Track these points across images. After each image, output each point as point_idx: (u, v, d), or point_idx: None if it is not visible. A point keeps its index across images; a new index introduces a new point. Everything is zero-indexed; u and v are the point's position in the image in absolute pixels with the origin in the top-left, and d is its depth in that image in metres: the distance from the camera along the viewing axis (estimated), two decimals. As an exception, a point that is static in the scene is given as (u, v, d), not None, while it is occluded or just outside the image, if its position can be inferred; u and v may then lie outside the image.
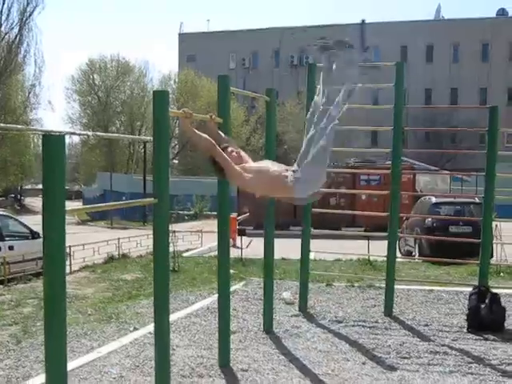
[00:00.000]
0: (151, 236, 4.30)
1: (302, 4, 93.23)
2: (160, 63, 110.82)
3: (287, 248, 11.67)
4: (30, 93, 43.99)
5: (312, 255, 11.65)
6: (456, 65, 53.75)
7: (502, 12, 55.82)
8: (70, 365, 5.51)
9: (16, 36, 40.38)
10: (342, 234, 17.75)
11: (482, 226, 7.77)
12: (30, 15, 40.37)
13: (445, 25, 53.31)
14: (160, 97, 4.16)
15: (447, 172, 26.61)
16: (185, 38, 57.61)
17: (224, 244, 5.70)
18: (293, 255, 11.40)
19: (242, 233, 15.03)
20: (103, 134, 43.99)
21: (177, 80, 52.90)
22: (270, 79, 49.23)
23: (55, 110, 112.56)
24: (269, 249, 6.86)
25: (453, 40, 52.83)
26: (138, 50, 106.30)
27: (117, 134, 49.86)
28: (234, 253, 13.44)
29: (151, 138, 4.23)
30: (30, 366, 5.66)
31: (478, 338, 6.75)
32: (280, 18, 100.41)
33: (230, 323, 5.96)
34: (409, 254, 15.72)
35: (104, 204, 7.75)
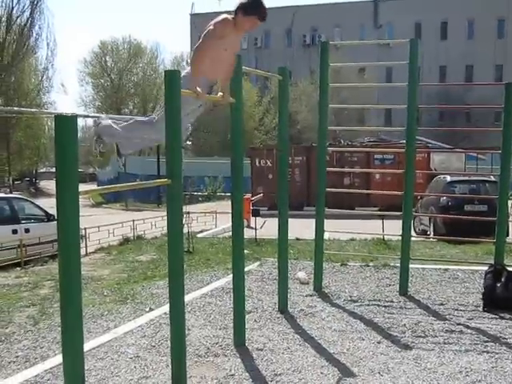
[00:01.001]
0: (166, 217, 4.30)
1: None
2: (172, 44, 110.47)
3: (301, 228, 11.67)
4: (43, 76, 44.04)
5: (326, 235, 11.64)
6: (471, 41, 53.07)
7: (518, -14, 54.90)
8: (87, 345, 5.57)
9: (27, 19, 40.33)
10: (356, 213, 17.71)
11: (498, 204, 7.70)
12: (40, -2, 40.28)
13: (459, 0, 52.51)
14: (171, 76, 4.13)
15: (462, 150, 26.40)
16: (196, 19, 57.25)
17: (238, 224, 5.69)
18: (307, 235, 11.40)
19: (256, 213, 15.01)
20: (116, 116, 44.02)
21: (189, 61, 52.63)
22: (282, 59, 48.87)
23: (68, 93, 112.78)
24: (283, 229, 6.84)
25: (468, 16, 52.09)
26: (150, 31, 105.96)
27: (129, 116, 49.92)
28: (248, 233, 13.47)
29: (164, 119, 4.22)
30: (47, 346, 5.72)
31: (493, 316, 6.71)
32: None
33: (244, 303, 5.97)
34: (424, 233, 15.66)
35: (117, 185, 7.77)
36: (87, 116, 22.09)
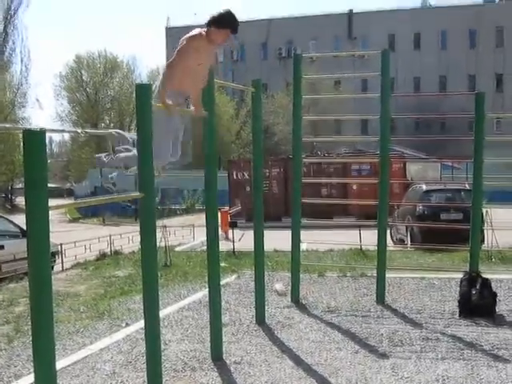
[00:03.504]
0: (141, 231, 4.27)
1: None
2: (148, 58, 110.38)
3: (279, 239, 11.64)
4: (17, 91, 43.68)
5: (304, 246, 11.68)
6: (444, 52, 53.82)
7: (488, -2, 55.96)
8: (62, 362, 5.52)
9: (1, 34, 40.05)
10: (333, 223, 17.76)
11: (472, 212, 7.79)
12: (14, 13, 40.03)
13: (432, 12, 53.35)
14: (143, 90, 4.13)
15: (437, 159, 26.68)
16: (172, 32, 57.18)
17: (213, 238, 5.68)
18: (285, 247, 11.39)
19: (233, 225, 14.98)
20: (92, 130, 43.72)
21: (161, 75, 52.51)
22: (258, 71, 49.10)
23: (43, 108, 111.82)
24: (259, 241, 6.84)
25: (440, 27, 52.86)
26: (126, 45, 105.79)
27: (106, 131, 49.64)
28: (226, 246, 13.48)
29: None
30: (21, 365, 5.64)
31: (469, 323, 6.77)
32: (267, 10, 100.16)
33: (221, 316, 5.94)
34: (401, 242, 15.75)
35: (88, 199, 7.70)
36: (63, 131, 21.84)
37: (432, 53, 53.30)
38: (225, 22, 4.75)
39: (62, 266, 12.89)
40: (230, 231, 15.25)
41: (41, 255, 3.13)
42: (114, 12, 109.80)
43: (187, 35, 4.71)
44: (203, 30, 4.72)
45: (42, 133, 3.07)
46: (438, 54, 53.71)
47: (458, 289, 7.46)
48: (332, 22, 54.41)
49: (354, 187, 23.44)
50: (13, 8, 40.01)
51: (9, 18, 39.81)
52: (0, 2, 39.91)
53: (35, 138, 3.05)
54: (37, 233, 3.10)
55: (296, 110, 7.85)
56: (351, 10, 55.72)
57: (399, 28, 52.53)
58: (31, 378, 5.04)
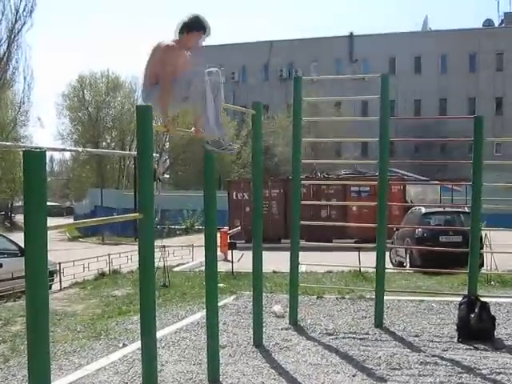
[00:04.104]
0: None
1: (289, 17, 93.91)
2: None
3: (278, 261, 11.63)
4: (19, 109, 43.84)
5: (303, 268, 11.66)
6: (444, 76, 54.12)
7: (488, 23, 56.48)
8: (58, 383, 5.48)
9: (4, 53, 40.27)
10: (332, 245, 17.74)
11: (470, 235, 7.79)
12: (18, 32, 40.30)
13: (432, 36, 53.74)
14: (143, 111, 4.16)
15: (437, 182, 26.72)
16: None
17: (211, 259, 5.68)
18: (284, 268, 11.36)
19: (232, 246, 14.95)
20: (93, 149, 43.87)
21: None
22: (259, 93, 49.33)
23: (45, 127, 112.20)
24: (257, 261, 6.83)
25: (440, 51, 53.23)
26: (128, 65, 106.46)
27: (107, 150, 49.77)
28: (225, 266, 13.44)
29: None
30: (17, 384, 5.60)
31: (468, 347, 6.73)
32: (268, 32, 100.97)
33: (218, 337, 5.92)
34: (400, 264, 15.71)
35: (88, 220, 7.70)
36: (63, 150, 21.99)
37: (432, 76, 53.63)
38: (194, 24, 4.93)
39: (60, 285, 12.85)
40: (230, 252, 15.21)
41: (38, 274, 3.14)
42: (117, 32, 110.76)
43: (158, 50, 4.82)
44: (171, 40, 4.87)
45: (41, 153, 3.10)
46: (438, 77, 54.02)
47: (457, 312, 7.44)
48: (333, 45, 54.82)
49: (354, 209, 23.42)
50: (17, 27, 40.27)
51: (12, 37, 40.06)
52: (4, 21, 40.11)
53: (35, 158, 3.08)
54: (35, 252, 3.11)
55: (295, 132, 7.89)
56: (352, 33, 56.17)
57: (400, 51, 52.90)
58: (26, 398, 5.02)
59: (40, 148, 3.07)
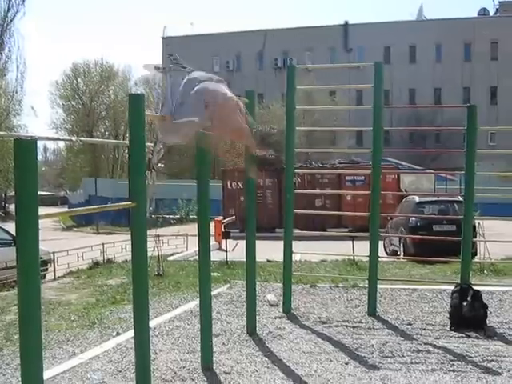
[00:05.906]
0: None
1: (284, 6, 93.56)
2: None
3: (273, 250, 11.65)
4: (12, 98, 43.57)
5: (298, 257, 11.69)
6: (439, 65, 54.11)
7: (483, 12, 56.43)
8: (52, 371, 5.50)
9: (-3, 41, 39.98)
10: (326, 234, 17.78)
11: (463, 224, 7.82)
12: (10, 21, 40.00)
13: (427, 25, 53.66)
14: (135, 100, 4.15)
15: (431, 171, 26.78)
16: (168, 42, 57.42)
17: (204, 248, 5.69)
18: (278, 257, 11.39)
19: (226, 236, 14.97)
20: (87, 139, 43.73)
21: (161, 84, 52.64)
22: (254, 82, 49.17)
23: (38, 116, 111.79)
24: (250, 250, 6.85)
25: (435, 40, 53.17)
26: (122, 54, 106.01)
27: (101, 139, 49.63)
28: (219, 256, 13.47)
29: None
30: (10, 373, 5.60)
31: (460, 335, 6.78)
32: (263, 21, 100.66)
33: (211, 326, 5.94)
34: (394, 253, 15.77)
35: (80, 208, 7.73)
36: (57, 139, 21.89)
37: (427, 65, 53.59)
38: None
39: (54, 275, 12.86)
40: (224, 241, 15.23)
41: (30, 264, 3.14)
42: (112, 21, 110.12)
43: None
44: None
45: (32, 141, 3.08)
46: (433, 66, 53.99)
47: (450, 301, 7.48)
48: (328, 34, 54.64)
49: (348, 198, 23.46)
50: (9, 16, 39.94)
51: (5, 25, 39.75)
52: (-4, 10, 39.78)
53: (26, 147, 3.06)
54: (26, 241, 3.11)
55: (289, 121, 7.88)
56: (347, 22, 56.02)
57: (395, 40, 52.80)
58: (20, 386, 5.03)
59: (32, 137, 3.05)
